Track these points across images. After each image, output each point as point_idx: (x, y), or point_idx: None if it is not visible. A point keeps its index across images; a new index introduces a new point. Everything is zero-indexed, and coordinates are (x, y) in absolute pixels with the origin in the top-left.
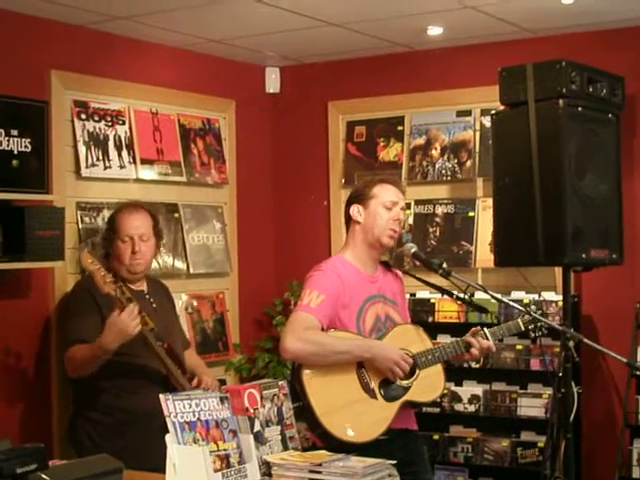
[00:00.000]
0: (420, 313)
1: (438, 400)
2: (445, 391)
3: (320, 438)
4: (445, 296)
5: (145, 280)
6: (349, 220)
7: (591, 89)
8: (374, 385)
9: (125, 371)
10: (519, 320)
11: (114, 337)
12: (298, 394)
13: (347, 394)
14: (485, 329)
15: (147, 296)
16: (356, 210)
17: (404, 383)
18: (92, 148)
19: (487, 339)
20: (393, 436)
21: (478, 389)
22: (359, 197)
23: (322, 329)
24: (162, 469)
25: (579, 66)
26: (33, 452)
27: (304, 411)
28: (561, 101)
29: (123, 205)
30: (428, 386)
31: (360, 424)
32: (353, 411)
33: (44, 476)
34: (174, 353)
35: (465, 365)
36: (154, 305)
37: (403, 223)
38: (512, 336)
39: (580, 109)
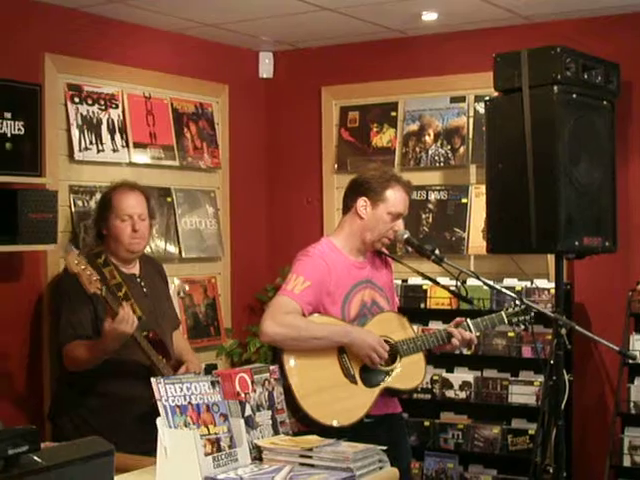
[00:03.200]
0: (412, 299)
1: (429, 387)
2: (433, 378)
3: (300, 422)
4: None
5: (138, 260)
6: (350, 206)
7: (586, 76)
8: (355, 371)
9: (109, 363)
10: (503, 313)
11: (113, 342)
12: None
13: (327, 378)
14: (468, 320)
15: (138, 280)
16: (362, 204)
17: (384, 370)
18: (85, 132)
19: (470, 330)
20: (378, 419)
21: (469, 376)
22: (371, 192)
23: (303, 316)
24: (151, 453)
25: (574, 52)
26: (25, 434)
27: (285, 394)
28: (556, 87)
29: (117, 185)
30: (408, 374)
31: (339, 408)
32: (333, 395)
33: (36, 458)
34: (159, 341)
35: (457, 352)
36: (145, 289)
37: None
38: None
39: (575, 96)
